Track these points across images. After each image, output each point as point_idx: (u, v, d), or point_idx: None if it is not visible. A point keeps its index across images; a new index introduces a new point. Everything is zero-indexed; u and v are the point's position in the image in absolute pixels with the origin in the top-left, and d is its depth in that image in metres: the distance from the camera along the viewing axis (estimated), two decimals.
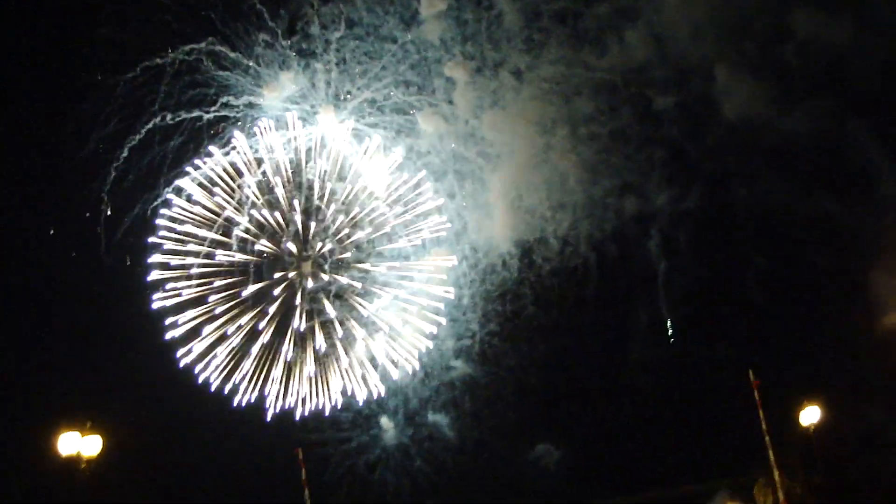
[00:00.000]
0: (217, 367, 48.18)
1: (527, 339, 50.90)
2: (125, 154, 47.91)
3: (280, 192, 49.04)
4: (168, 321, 47.66)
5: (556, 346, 52.31)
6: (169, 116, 48.20)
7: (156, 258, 47.84)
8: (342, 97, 49.43)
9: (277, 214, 49.12)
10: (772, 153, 50.01)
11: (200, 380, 48.02)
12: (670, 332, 50.95)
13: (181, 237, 48.19)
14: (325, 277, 49.07)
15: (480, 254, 49.93)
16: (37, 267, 48.64)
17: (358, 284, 49.57)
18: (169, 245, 48.01)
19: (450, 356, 50.86)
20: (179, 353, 47.75)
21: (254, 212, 48.71)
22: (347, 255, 49.72)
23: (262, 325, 48.50)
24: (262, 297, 48.67)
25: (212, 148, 48.78)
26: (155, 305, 47.57)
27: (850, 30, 46.67)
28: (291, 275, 49.01)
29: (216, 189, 48.72)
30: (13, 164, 49.06)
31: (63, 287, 48.24)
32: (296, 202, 48.94)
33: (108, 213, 48.10)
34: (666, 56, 48.85)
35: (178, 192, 48.52)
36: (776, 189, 50.29)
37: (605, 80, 49.07)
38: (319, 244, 49.20)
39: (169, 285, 47.78)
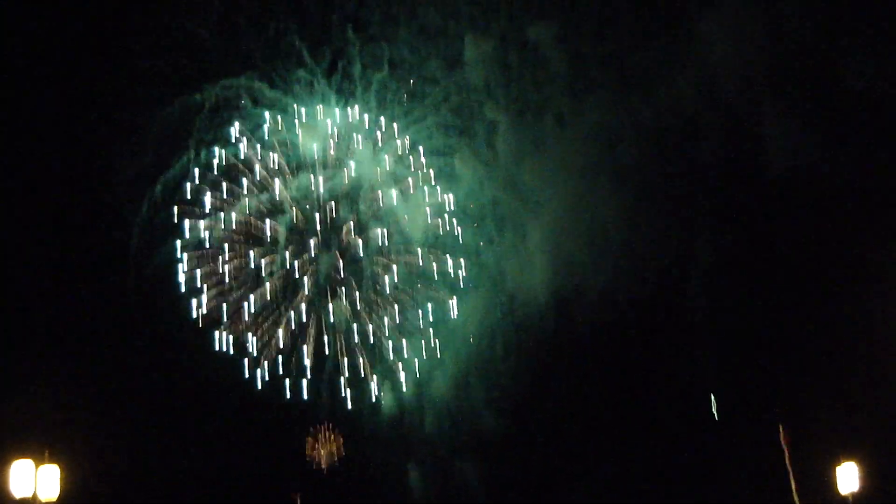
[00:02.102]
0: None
1: (558, 393, 49.71)
2: (159, 188, 47.00)
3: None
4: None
5: (586, 400, 51.13)
6: (203, 152, 47.38)
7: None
8: (381, 139, 48.76)
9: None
10: (813, 205, 49.21)
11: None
12: (714, 410, 49.59)
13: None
14: None
15: (517, 303, 48.92)
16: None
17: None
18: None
19: (480, 407, 49.64)
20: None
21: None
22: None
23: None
24: None
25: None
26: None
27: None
28: None
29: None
30: (43, 190, 47.60)
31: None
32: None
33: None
34: (711, 104, 48.20)
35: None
36: (814, 240, 49.42)
37: (648, 128, 48.37)
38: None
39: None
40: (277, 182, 48.04)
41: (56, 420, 37.94)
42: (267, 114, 48.08)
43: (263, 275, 48.13)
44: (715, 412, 49.76)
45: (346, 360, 48.53)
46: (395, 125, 48.80)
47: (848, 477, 40.04)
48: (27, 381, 41.83)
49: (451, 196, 49.20)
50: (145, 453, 44.80)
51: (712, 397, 49.58)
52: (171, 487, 45.15)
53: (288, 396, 47.94)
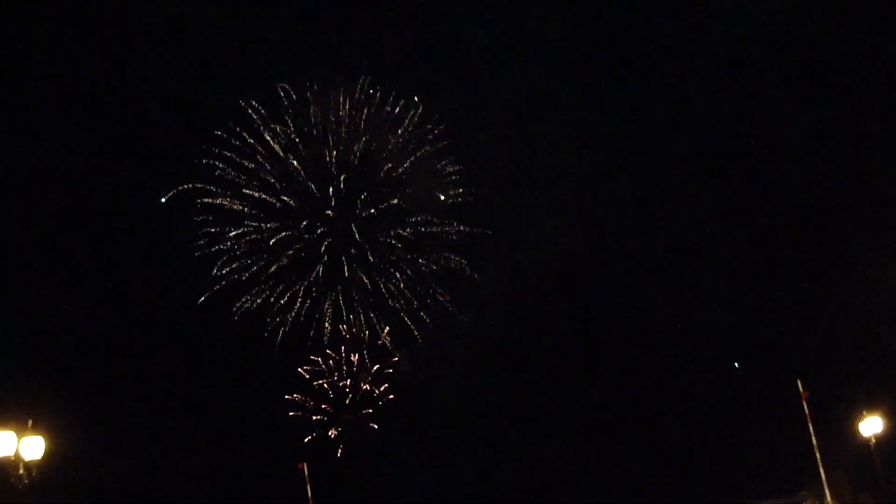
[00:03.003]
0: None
1: (566, 350, 50.07)
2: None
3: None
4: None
5: (598, 358, 51.29)
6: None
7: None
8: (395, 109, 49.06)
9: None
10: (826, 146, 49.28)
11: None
12: (737, 367, 49.66)
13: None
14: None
15: (533, 266, 49.26)
16: None
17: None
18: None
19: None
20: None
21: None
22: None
23: None
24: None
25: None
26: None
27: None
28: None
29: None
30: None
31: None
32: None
33: None
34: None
35: None
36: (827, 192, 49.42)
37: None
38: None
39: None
40: (290, 153, 48.53)
41: (42, 389, 36.43)
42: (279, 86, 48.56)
43: (277, 246, 48.63)
44: (737, 367, 50.01)
45: (363, 328, 49.10)
46: (410, 95, 49.22)
47: (871, 427, 39.59)
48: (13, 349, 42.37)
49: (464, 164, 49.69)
50: (146, 425, 44.98)
51: (735, 364, 49.75)
52: (174, 461, 45.23)
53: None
